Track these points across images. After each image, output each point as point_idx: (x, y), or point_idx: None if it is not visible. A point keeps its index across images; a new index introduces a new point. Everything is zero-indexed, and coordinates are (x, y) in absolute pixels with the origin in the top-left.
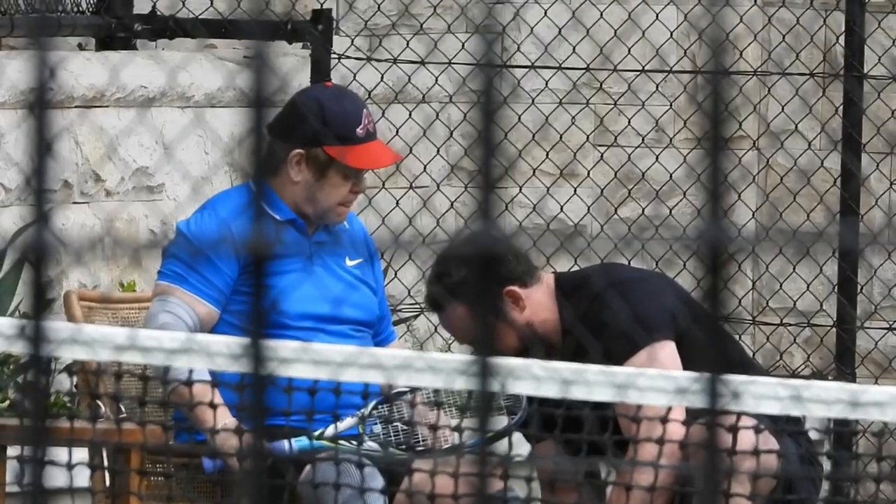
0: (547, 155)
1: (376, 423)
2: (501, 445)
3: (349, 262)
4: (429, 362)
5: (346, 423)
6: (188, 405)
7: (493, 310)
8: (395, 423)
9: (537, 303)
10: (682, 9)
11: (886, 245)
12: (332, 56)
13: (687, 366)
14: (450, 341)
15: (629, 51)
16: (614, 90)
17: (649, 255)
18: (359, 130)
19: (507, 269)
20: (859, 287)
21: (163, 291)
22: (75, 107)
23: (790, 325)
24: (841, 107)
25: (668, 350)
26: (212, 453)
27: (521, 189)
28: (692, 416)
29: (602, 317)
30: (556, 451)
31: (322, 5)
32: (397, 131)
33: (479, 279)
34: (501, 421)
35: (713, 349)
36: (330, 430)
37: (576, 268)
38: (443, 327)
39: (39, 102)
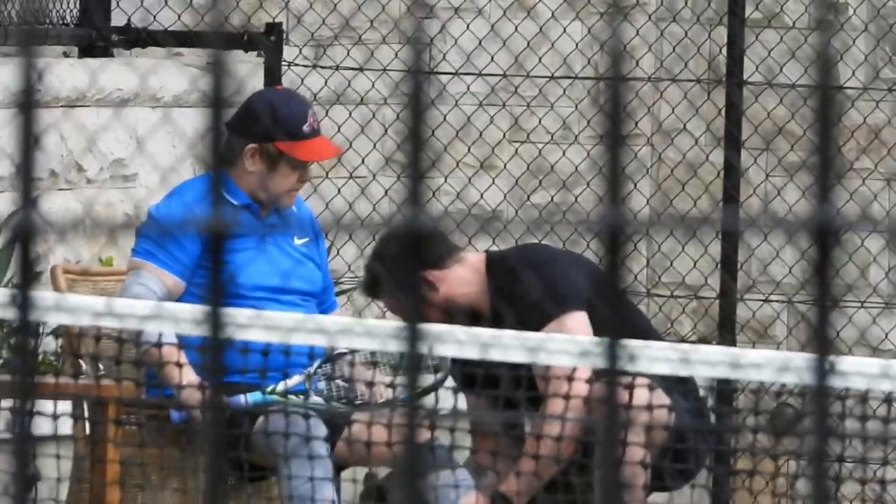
0: (469, 149)
1: (320, 381)
2: (429, 400)
3: (297, 241)
4: (366, 328)
5: (294, 380)
6: (158, 364)
7: (412, 294)
8: (336, 381)
9: (456, 280)
10: (586, 23)
11: (763, 228)
12: (283, 63)
13: (597, 332)
14: (385, 310)
15: (540, 59)
16: (527, 94)
17: (557, 236)
18: (305, 128)
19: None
20: (739, 264)
21: (136, 266)
22: (60, 106)
23: (680, 297)
24: (723, 109)
25: (579, 319)
26: (178, 406)
27: (446, 179)
28: (595, 375)
29: (520, 291)
30: (483, 405)
31: (274, 19)
32: (339, 129)
33: (399, 272)
34: (429, 378)
35: (614, 318)
36: (280, 386)
37: (494, 247)
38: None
39: (28, 103)
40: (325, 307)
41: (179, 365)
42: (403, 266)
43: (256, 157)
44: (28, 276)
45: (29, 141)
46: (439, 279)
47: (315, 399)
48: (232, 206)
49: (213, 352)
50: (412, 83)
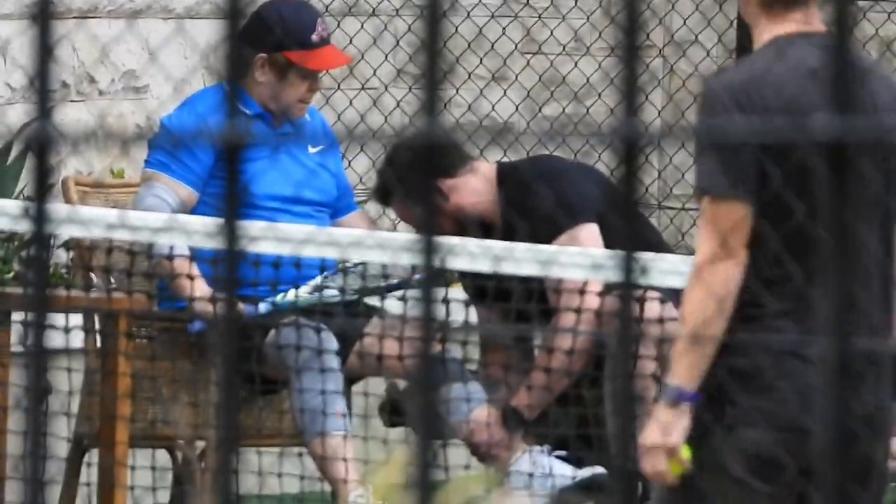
0: (481, 61)
1: (330, 289)
2: (440, 312)
3: (311, 150)
4: (378, 240)
5: (304, 289)
6: (170, 276)
7: (425, 204)
8: (346, 291)
9: (467, 189)
10: None
11: None
12: None
13: (608, 244)
14: (396, 221)
15: None
16: (539, 5)
17: (569, 148)
18: (314, 37)
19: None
20: None
21: (149, 178)
22: (72, 17)
23: (691, 209)
24: (735, 20)
25: (590, 230)
26: (190, 318)
27: (458, 90)
28: (607, 288)
29: (532, 202)
30: (494, 318)
31: None
32: (350, 40)
33: (411, 180)
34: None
35: (627, 230)
36: (290, 294)
37: (506, 159)
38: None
39: (42, 13)
40: (346, 209)
41: (191, 277)
42: (415, 175)
43: (266, 67)
44: (41, 188)
45: (43, 53)
46: (450, 188)
47: (329, 293)
48: (245, 116)
49: (228, 264)
50: None
